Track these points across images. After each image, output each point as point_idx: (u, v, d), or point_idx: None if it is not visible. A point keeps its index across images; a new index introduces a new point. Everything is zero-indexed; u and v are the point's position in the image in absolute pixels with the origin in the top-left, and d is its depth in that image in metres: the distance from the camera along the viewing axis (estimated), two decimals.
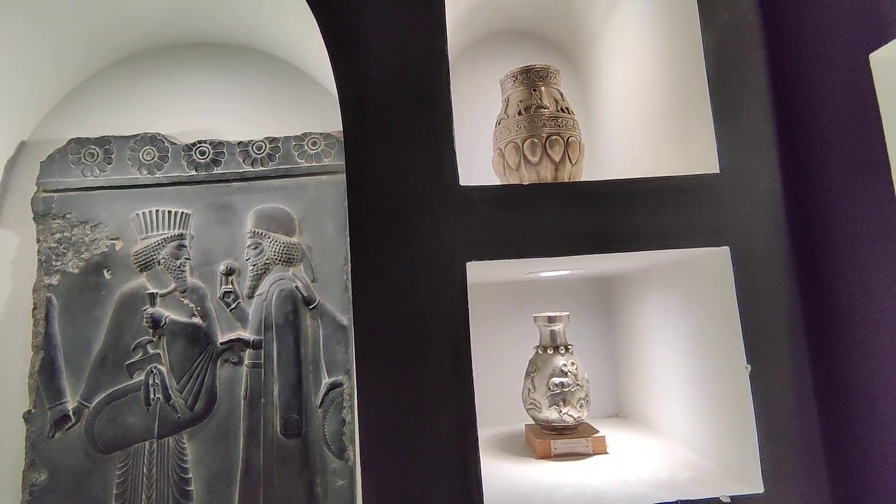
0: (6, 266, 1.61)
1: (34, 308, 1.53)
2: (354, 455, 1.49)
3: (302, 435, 1.49)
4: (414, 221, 0.96)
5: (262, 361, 1.52)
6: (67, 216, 1.57)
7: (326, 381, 1.52)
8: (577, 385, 1.24)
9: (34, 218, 1.57)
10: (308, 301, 1.54)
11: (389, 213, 0.95)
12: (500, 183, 1.26)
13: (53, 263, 1.55)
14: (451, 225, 0.95)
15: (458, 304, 0.92)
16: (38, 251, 1.56)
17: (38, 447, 1.48)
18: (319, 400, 1.51)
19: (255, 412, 1.50)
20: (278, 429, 1.49)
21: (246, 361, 1.53)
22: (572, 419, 1.22)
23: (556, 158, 1.22)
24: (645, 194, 1.00)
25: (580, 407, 1.23)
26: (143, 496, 1.47)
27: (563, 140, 1.21)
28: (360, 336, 0.93)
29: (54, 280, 1.54)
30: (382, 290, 0.94)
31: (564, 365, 1.25)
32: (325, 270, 1.56)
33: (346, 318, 1.54)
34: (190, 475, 1.48)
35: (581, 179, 1.26)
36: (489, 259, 0.94)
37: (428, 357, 0.91)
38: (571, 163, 1.24)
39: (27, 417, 1.49)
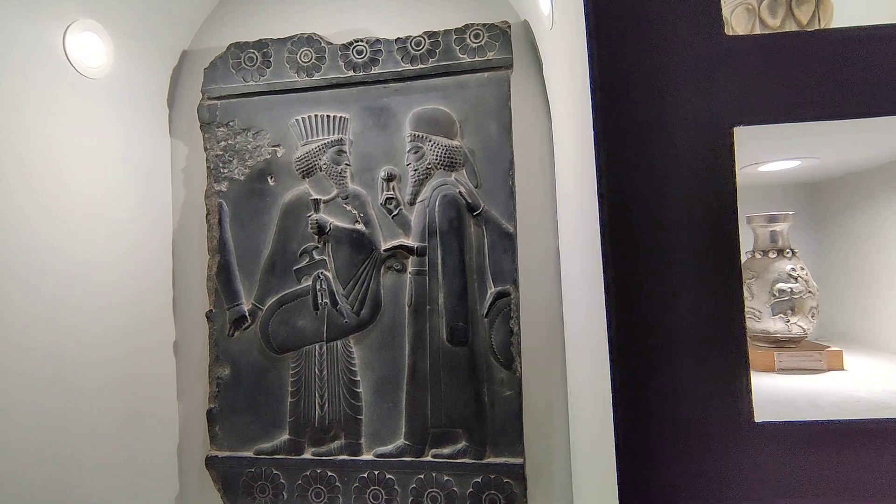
0: (178, 174, 1.66)
1: (207, 213, 1.58)
2: (521, 366, 1.44)
3: (469, 344, 1.46)
4: (669, 80, 0.81)
5: (427, 269, 1.48)
6: (230, 124, 1.58)
7: (492, 290, 1.45)
8: (809, 292, 1.07)
9: (201, 126, 1.59)
10: (472, 207, 1.46)
11: (640, 72, 0.81)
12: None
13: (221, 171, 1.58)
14: (714, 83, 0.80)
15: (724, 177, 0.78)
16: (207, 159, 1.59)
17: (221, 344, 1.56)
18: (485, 309, 1.45)
19: (420, 319, 1.48)
20: (444, 336, 1.47)
21: (409, 268, 1.50)
22: (801, 330, 1.07)
23: (804, 20, 1.01)
24: None
25: (811, 317, 1.07)
26: (317, 394, 1.52)
27: None
28: (610, 218, 0.82)
29: (223, 187, 1.58)
30: (631, 163, 0.81)
31: (792, 269, 1.08)
32: (488, 175, 1.47)
33: (511, 226, 1.45)
34: (358, 377, 1.51)
35: None
36: (761, 123, 0.78)
37: (689, 240, 0.78)
38: (821, 25, 1.02)
39: (209, 316, 1.57)
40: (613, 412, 0.79)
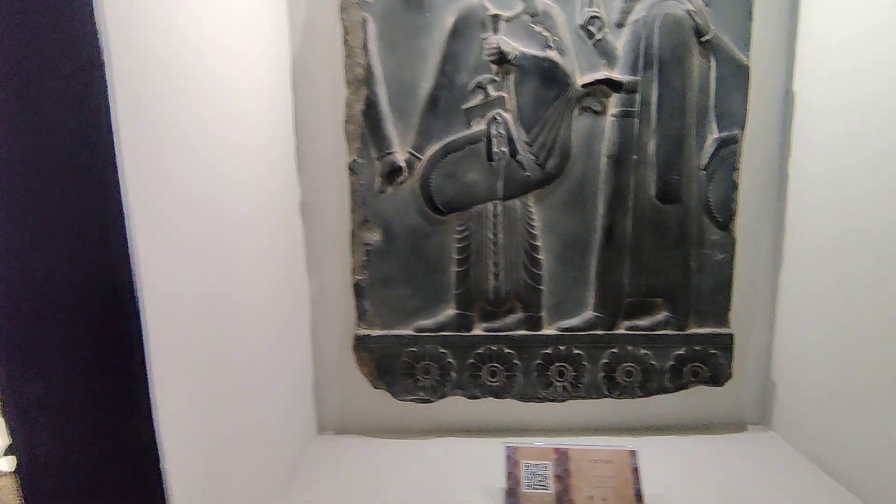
0: None
1: (346, 33, 1.21)
2: (737, 227, 1.26)
3: (681, 200, 1.24)
4: None
5: (637, 109, 1.21)
6: None
7: (715, 135, 1.22)
8: None
9: None
10: (700, 31, 1.18)
11: None
12: None
13: None
14: None
15: None
16: None
17: (369, 203, 1.26)
18: (706, 159, 1.23)
19: (622, 172, 1.24)
20: (653, 192, 1.24)
21: (611, 110, 1.22)
22: None
23: None
24: None
25: None
26: (490, 263, 1.28)
27: None
28: None
29: None
30: None
31: None
32: None
33: (746, 57, 1.19)
34: (539, 242, 1.28)
35: None
36: None
37: None
38: None
39: (353, 168, 1.25)
40: None
